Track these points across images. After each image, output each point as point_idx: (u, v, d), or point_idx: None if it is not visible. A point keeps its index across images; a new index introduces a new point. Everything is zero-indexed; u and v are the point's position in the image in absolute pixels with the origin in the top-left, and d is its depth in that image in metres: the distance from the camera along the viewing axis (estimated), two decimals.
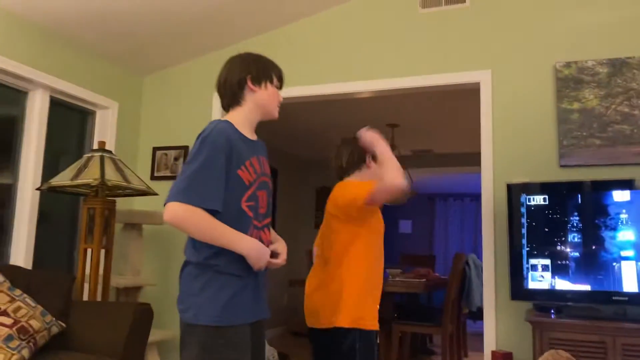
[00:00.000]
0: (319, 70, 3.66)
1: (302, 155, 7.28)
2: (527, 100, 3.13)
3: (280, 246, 1.74)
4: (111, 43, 3.62)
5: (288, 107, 4.70)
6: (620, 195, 2.65)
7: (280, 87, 1.79)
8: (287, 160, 7.02)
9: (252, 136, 1.73)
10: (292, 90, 3.66)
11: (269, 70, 1.74)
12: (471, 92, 3.38)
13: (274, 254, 1.69)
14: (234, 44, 3.90)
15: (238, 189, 1.58)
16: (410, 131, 5.75)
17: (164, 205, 1.52)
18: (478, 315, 4.78)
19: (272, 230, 1.84)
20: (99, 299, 3.05)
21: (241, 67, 1.71)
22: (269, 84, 1.72)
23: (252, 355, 1.61)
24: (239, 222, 1.57)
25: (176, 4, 3.29)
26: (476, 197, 9.00)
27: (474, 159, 3.20)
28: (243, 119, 1.70)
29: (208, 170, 1.51)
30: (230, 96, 1.71)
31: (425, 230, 9.59)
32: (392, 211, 9.57)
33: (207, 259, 1.55)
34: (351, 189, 2.16)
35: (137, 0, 3.17)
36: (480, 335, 3.05)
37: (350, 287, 2.09)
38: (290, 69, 3.71)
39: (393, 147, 5.69)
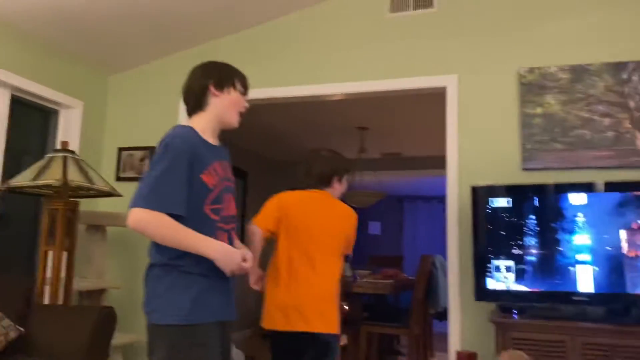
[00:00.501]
0: (289, 73, 3.66)
1: (273, 157, 7.26)
2: (492, 105, 3.19)
3: (248, 253, 1.72)
4: (76, 41, 3.54)
5: (259, 108, 4.69)
6: (577, 199, 2.72)
7: (244, 94, 1.79)
8: (257, 162, 6.99)
9: (215, 141, 1.74)
10: (262, 92, 3.66)
11: (231, 77, 1.74)
12: (439, 96, 3.43)
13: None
14: (201, 44, 3.87)
15: (202, 193, 1.59)
16: (380, 134, 5.80)
17: (129, 209, 1.51)
18: (444, 315, 4.85)
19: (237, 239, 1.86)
20: (60, 302, 2.98)
21: (204, 73, 1.73)
22: (232, 90, 1.73)
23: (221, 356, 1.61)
24: (204, 226, 1.56)
25: (143, 3, 3.24)
26: (444, 199, 9.11)
27: (442, 162, 3.26)
28: (205, 124, 1.70)
29: (171, 175, 1.51)
30: (194, 102, 1.72)
31: (394, 232, 9.68)
32: (361, 213, 9.63)
33: (172, 260, 1.55)
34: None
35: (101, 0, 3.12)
36: (445, 335, 3.09)
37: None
38: (261, 70, 3.70)
39: (363, 149, 5.74)
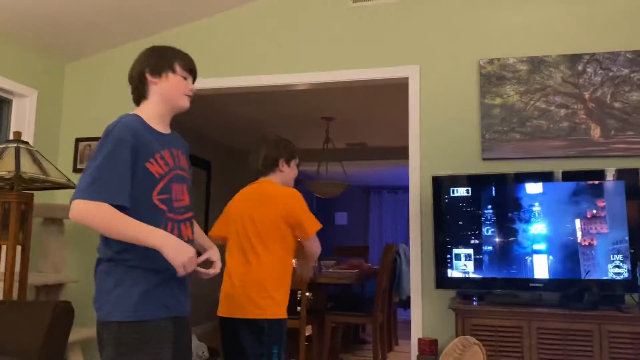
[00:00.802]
0: (252, 61, 3.61)
1: (237, 146, 7.19)
2: (452, 96, 3.23)
3: (215, 254, 1.69)
4: (29, 28, 3.41)
5: (222, 97, 4.64)
6: (534, 188, 2.79)
7: (190, 77, 1.72)
8: (221, 151, 6.92)
9: (165, 129, 1.68)
10: (226, 81, 3.61)
11: (169, 60, 1.68)
12: (403, 87, 3.44)
13: (206, 262, 1.63)
14: (162, 31, 3.78)
15: (148, 183, 1.54)
16: (345, 124, 5.81)
17: (70, 202, 1.47)
18: (408, 303, 4.92)
19: (205, 238, 1.81)
20: (15, 298, 2.89)
21: (140, 60, 1.68)
22: (170, 74, 1.66)
23: (177, 353, 1.58)
24: (151, 216, 1.52)
25: None
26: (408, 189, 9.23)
27: (406, 152, 3.28)
28: (150, 111, 1.65)
29: (112, 165, 1.47)
30: (135, 90, 1.69)
31: (361, 222, 9.75)
32: (328, 204, 9.66)
33: (118, 254, 1.51)
34: (307, 215, 2.29)
35: None
36: (410, 323, 3.14)
37: None
38: (224, 59, 3.65)
39: (328, 139, 5.74)
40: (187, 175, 1.70)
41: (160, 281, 1.54)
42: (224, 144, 6.98)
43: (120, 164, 1.48)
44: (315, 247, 2.32)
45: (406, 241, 8.83)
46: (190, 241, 1.64)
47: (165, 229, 1.55)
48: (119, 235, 1.47)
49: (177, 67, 1.68)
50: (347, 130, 6.07)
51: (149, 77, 1.65)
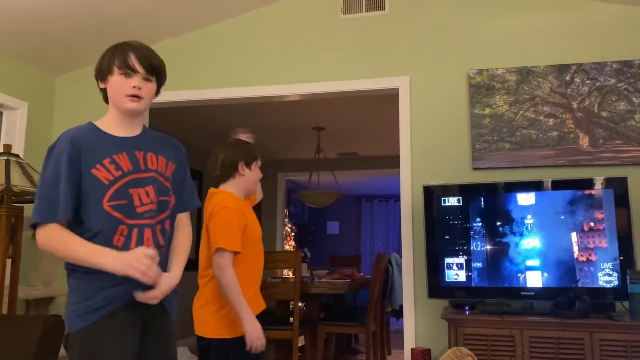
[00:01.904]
0: (242, 73, 3.63)
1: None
2: (442, 106, 3.25)
3: (164, 282, 1.52)
4: (19, 40, 3.41)
5: (214, 108, 4.64)
6: (526, 197, 2.81)
7: (129, 74, 1.58)
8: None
9: (127, 132, 1.62)
10: (217, 92, 3.63)
11: (107, 62, 1.60)
12: (393, 97, 3.47)
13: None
14: (153, 43, 3.78)
15: (96, 189, 1.49)
16: (336, 134, 5.83)
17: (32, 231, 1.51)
18: (401, 313, 4.92)
19: (179, 255, 1.65)
20: (4, 312, 2.86)
21: (95, 68, 1.67)
22: (109, 77, 1.60)
23: (149, 336, 1.54)
24: (105, 224, 1.49)
25: (90, 3, 3.15)
26: (400, 198, 9.26)
27: (397, 161, 3.30)
28: (108, 117, 1.65)
29: (49, 180, 1.47)
30: (104, 98, 1.69)
31: (352, 231, 9.76)
32: (320, 213, 9.66)
33: (68, 265, 1.53)
34: (223, 231, 2.14)
35: None
36: (402, 332, 3.14)
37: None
38: (215, 70, 3.66)
39: (319, 149, 5.75)
40: (157, 176, 1.60)
41: (95, 280, 1.48)
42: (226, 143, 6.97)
43: (60, 177, 1.46)
44: (216, 265, 2.09)
45: (398, 250, 8.87)
46: (160, 247, 1.56)
47: (124, 236, 1.50)
48: (74, 259, 1.47)
49: (114, 67, 1.59)
50: (338, 139, 6.09)
51: (99, 83, 1.65)
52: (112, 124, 1.63)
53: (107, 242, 1.49)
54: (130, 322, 1.50)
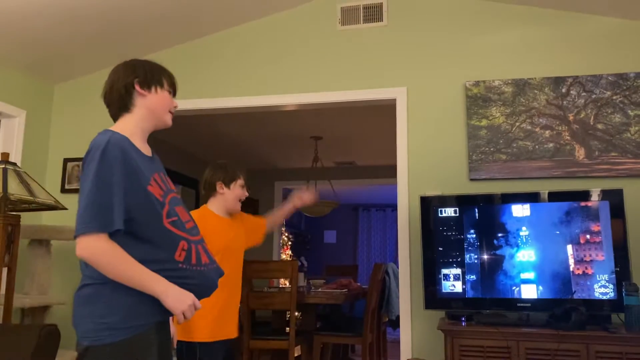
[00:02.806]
0: (241, 83, 3.64)
1: None
2: (439, 117, 3.27)
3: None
4: (17, 49, 3.42)
5: (211, 117, 4.65)
6: (522, 209, 2.82)
7: (173, 94, 1.67)
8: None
9: (147, 149, 1.61)
10: (216, 102, 3.64)
11: (158, 74, 1.63)
12: (390, 107, 3.49)
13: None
14: (151, 53, 3.81)
15: (156, 206, 1.48)
16: (334, 144, 5.85)
17: (74, 238, 1.42)
18: (398, 323, 4.90)
19: None
20: (0, 321, 2.84)
21: (127, 71, 1.61)
22: (159, 89, 1.61)
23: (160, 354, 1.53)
24: (166, 242, 1.47)
25: (88, 13, 3.16)
26: (397, 208, 9.26)
27: (394, 171, 3.31)
28: (134, 127, 1.58)
29: (105, 188, 1.40)
30: (118, 103, 1.59)
31: (349, 241, 9.75)
32: (317, 222, 9.66)
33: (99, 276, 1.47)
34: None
35: (44, 5, 3.02)
36: (399, 343, 3.13)
37: None
38: (214, 80, 3.68)
39: (317, 158, 5.76)
40: (178, 197, 1.65)
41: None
42: (241, 166, 6.98)
43: (113, 186, 1.41)
44: None
45: (395, 259, 8.86)
46: (206, 264, 1.57)
47: (185, 250, 1.50)
48: (122, 278, 1.42)
49: (165, 82, 1.64)
50: (335, 149, 6.11)
51: (137, 88, 1.58)
52: (137, 136, 1.57)
53: (169, 257, 1.48)
54: (154, 340, 1.49)
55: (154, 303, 1.47)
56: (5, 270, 2.90)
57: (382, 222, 9.65)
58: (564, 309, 2.56)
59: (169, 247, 1.48)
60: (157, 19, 3.43)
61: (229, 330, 2.43)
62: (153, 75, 1.62)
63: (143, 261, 1.44)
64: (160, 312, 1.50)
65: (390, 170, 6.68)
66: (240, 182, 2.52)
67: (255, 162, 6.91)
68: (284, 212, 2.80)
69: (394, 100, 3.36)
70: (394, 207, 9.52)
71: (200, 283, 1.54)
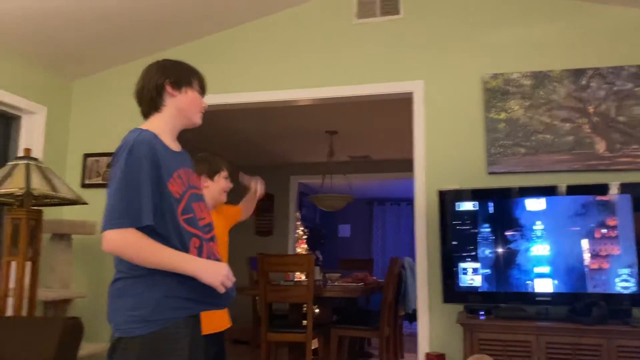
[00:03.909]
0: (257, 78, 3.65)
1: (241, 162, 7.22)
2: (457, 110, 3.25)
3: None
4: (38, 46, 3.46)
5: (225, 113, 4.67)
6: (540, 202, 2.80)
7: (202, 94, 1.72)
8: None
9: (176, 147, 1.66)
10: (230, 97, 3.65)
11: (188, 75, 1.67)
12: (406, 101, 3.48)
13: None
14: (168, 49, 3.83)
15: (172, 202, 1.51)
16: (349, 138, 5.84)
17: (101, 233, 1.44)
18: (414, 317, 4.90)
19: None
20: (24, 314, 2.90)
21: (159, 72, 1.65)
22: (189, 89, 1.66)
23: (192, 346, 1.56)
24: (180, 238, 1.50)
25: (106, 10, 3.19)
26: (412, 202, 9.23)
27: (409, 165, 3.31)
28: (164, 126, 1.62)
29: (133, 184, 1.44)
30: (149, 102, 1.64)
31: (364, 234, 9.75)
32: (331, 216, 9.67)
33: (132, 270, 1.50)
34: None
35: (63, 3, 3.05)
36: (415, 336, 3.14)
37: None
38: (228, 75, 3.69)
39: (332, 153, 5.77)
40: (201, 193, 1.68)
41: (178, 282, 1.49)
42: (228, 160, 7.01)
43: (141, 183, 1.44)
44: None
45: (410, 254, 8.84)
46: (218, 260, 1.61)
47: (196, 249, 1.53)
48: (153, 264, 1.45)
49: (195, 83, 1.68)
50: (350, 143, 6.10)
51: (169, 89, 1.63)
52: (167, 134, 1.62)
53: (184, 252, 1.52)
54: (184, 334, 1.51)
55: (183, 297, 1.50)
56: (28, 264, 2.95)
57: (397, 216, 9.63)
58: (584, 303, 2.55)
59: (183, 243, 1.51)
60: (173, 16, 3.45)
61: (220, 322, 2.38)
62: (184, 76, 1.66)
63: None
64: (191, 306, 1.53)
65: (405, 164, 6.66)
66: (224, 173, 2.52)
67: (270, 157, 6.93)
68: (250, 201, 2.81)
69: (411, 93, 3.35)
70: (408, 201, 9.49)
71: None
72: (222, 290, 1.51)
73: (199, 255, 1.55)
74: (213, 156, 2.55)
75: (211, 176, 2.48)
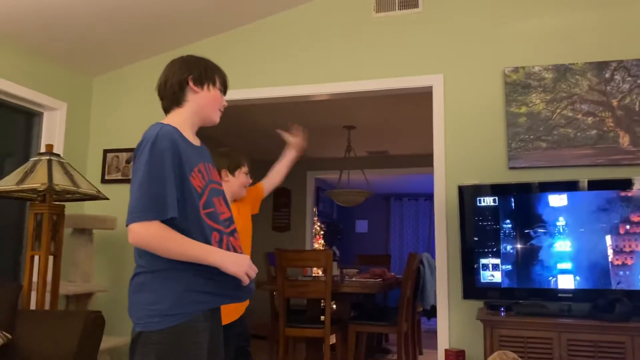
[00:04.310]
0: (274, 73, 3.65)
1: (258, 157, 7.24)
2: (477, 104, 3.22)
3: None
4: (59, 42, 3.50)
5: (244, 108, 4.68)
6: (562, 197, 2.76)
7: (223, 92, 1.74)
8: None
9: (196, 141, 1.67)
10: (248, 92, 3.65)
11: (212, 73, 1.69)
12: (425, 95, 3.45)
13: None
14: (187, 44, 3.85)
15: (194, 196, 1.52)
16: (367, 133, 5.82)
17: (126, 226, 1.45)
18: (432, 313, 4.87)
19: None
20: (47, 307, 2.95)
21: (182, 67, 1.66)
22: (211, 86, 1.68)
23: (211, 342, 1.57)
24: (202, 232, 1.51)
25: (126, 6, 3.21)
26: (430, 197, 9.19)
27: (428, 160, 3.28)
28: (184, 120, 1.64)
29: (156, 177, 1.44)
30: (171, 97, 1.65)
31: (381, 230, 9.72)
32: (348, 211, 9.66)
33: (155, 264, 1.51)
34: None
35: (84, 0, 3.09)
36: (434, 333, 3.12)
37: None
38: (246, 70, 3.70)
39: (349, 148, 5.75)
40: (220, 188, 1.69)
41: (195, 276, 1.50)
42: (246, 154, 7.03)
43: (165, 176, 1.45)
44: None
45: (428, 250, 8.80)
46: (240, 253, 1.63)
47: (217, 243, 1.53)
48: (178, 256, 1.46)
49: (217, 81, 1.70)
50: (368, 138, 6.08)
51: (191, 85, 1.64)
52: (186, 129, 1.63)
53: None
54: (204, 328, 1.52)
55: (203, 291, 1.51)
56: (51, 259, 3.00)
57: (415, 211, 9.58)
58: (607, 299, 2.50)
59: (204, 237, 1.51)
60: (193, 11, 3.46)
61: (236, 310, 2.37)
62: (207, 73, 1.68)
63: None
64: (210, 300, 1.54)
65: (423, 160, 6.61)
66: (244, 169, 2.54)
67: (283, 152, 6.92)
68: (288, 160, 2.83)
69: (430, 87, 3.32)
70: (426, 197, 9.43)
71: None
72: (246, 280, 1.52)
73: (219, 248, 1.55)
74: (233, 151, 2.57)
75: (232, 171, 2.50)
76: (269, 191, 2.81)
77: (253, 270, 1.54)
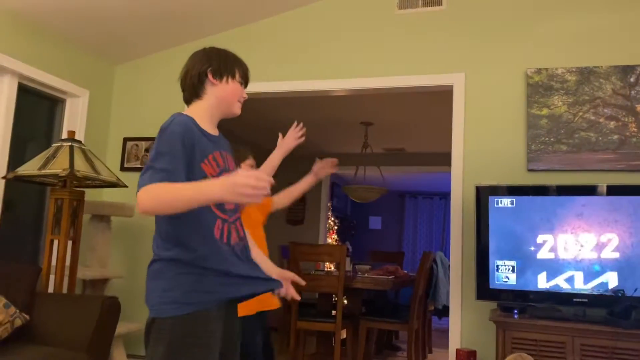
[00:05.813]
0: (295, 67, 3.66)
1: (272, 149, 7.27)
2: (498, 105, 3.19)
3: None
4: (82, 30, 3.54)
5: (264, 102, 4.70)
6: (581, 201, 2.73)
7: (244, 85, 1.74)
8: (261, 155, 6.98)
9: (214, 131, 1.68)
10: (267, 86, 3.66)
11: (231, 65, 1.69)
12: (445, 94, 3.43)
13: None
14: (210, 35, 3.86)
15: None
16: (384, 130, 5.80)
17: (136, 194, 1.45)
18: (443, 312, 4.86)
19: (268, 262, 1.85)
20: (64, 291, 3.00)
21: (202, 60, 1.67)
22: (230, 79, 1.68)
23: (225, 335, 1.57)
24: (206, 218, 1.52)
25: None
26: (445, 196, 9.14)
27: (445, 159, 3.27)
28: (203, 112, 1.65)
29: (167, 157, 1.45)
30: (191, 89, 1.66)
31: (395, 227, 9.70)
32: (362, 208, 9.65)
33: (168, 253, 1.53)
34: None
35: None
36: (444, 332, 3.12)
37: None
38: (266, 64, 3.70)
39: (366, 144, 5.74)
40: None
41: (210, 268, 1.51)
42: (263, 148, 7.05)
43: (174, 153, 1.46)
44: None
45: (441, 249, 8.75)
46: (242, 238, 1.63)
47: (220, 229, 1.54)
48: (182, 204, 1.39)
49: (237, 73, 1.70)
50: (385, 135, 6.06)
51: (210, 77, 1.65)
52: (205, 121, 1.64)
53: (209, 233, 1.52)
54: (218, 318, 1.53)
55: (218, 281, 1.52)
56: (70, 243, 3.04)
57: (429, 210, 9.54)
58: (624, 306, 2.48)
59: (209, 223, 1.52)
60: (217, 2, 3.47)
61: (267, 301, 2.35)
62: (226, 65, 1.68)
63: (189, 235, 1.49)
64: (226, 291, 1.54)
65: (440, 158, 6.58)
66: (249, 161, 2.54)
67: (302, 147, 6.91)
68: (305, 185, 2.77)
69: (451, 86, 3.30)
70: (441, 196, 9.39)
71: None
72: (265, 188, 1.33)
73: (222, 236, 1.54)
74: (239, 145, 2.57)
75: (237, 164, 2.50)
76: (276, 209, 2.79)
77: (260, 179, 1.32)
